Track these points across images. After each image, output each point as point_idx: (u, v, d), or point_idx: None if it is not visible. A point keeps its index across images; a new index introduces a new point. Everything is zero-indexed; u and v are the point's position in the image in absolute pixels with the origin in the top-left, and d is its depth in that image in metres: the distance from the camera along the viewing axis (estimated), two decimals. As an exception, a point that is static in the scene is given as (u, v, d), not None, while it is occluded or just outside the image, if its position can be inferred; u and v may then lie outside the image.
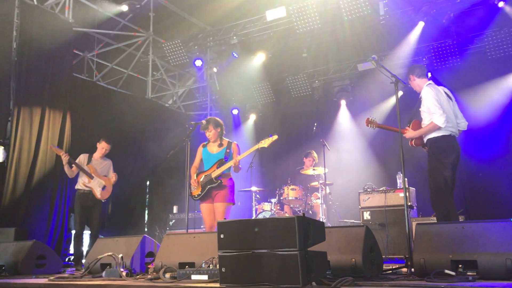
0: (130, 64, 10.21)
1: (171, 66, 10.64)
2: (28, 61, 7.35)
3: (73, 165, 6.49)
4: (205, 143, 5.66)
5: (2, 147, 6.78)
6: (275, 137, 5.31)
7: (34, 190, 7.07)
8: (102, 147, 6.70)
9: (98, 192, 6.53)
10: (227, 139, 5.64)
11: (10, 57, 7.13)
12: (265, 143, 5.30)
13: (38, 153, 7.26)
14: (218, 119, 5.73)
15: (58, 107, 7.73)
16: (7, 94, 7.07)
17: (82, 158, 6.65)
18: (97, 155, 6.71)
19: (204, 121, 5.61)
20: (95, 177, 6.55)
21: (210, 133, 5.56)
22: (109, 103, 9.29)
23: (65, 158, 6.40)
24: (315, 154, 8.36)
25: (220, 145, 5.56)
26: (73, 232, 6.59)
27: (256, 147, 5.33)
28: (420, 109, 5.04)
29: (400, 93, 8.36)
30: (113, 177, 6.71)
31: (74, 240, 6.61)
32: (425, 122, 4.97)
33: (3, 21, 7.17)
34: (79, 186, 6.58)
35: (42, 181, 7.19)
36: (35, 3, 7.69)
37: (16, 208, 6.89)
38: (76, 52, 8.94)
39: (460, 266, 3.23)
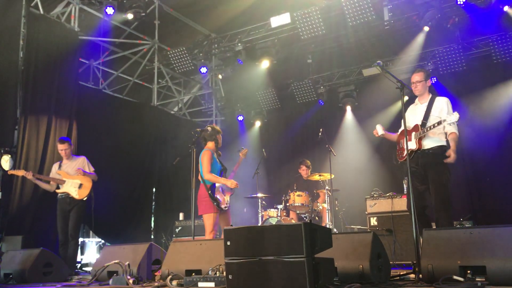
0: (135, 72, 10.24)
1: (176, 73, 10.68)
2: (34, 70, 7.39)
3: (42, 179, 6.40)
4: (212, 150, 5.59)
5: (9, 156, 6.80)
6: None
7: (41, 198, 7.08)
8: (60, 149, 6.53)
9: (75, 193, 6.36)
10: None
11: (17, 66, 7.18)
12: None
13: (44, 161, 7.29)
14: None
15: (64, 115, 7.77)
16: (14, 102, 7.11)
17: (53, 168, 6.61)
18: (63, 158, 6.59)
19: (209, 127, 5.68)
20: (67, 180, 6.41)
21: (220, 140, 5.70)
22: (114, 111, 9.32)
23: (28, 176, 6.27)
24: (307, 162, 8.36)
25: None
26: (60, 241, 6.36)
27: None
28: (433, 113, 4.89)
29: (406, 98, 8.28)
30: (76, 172, 6.42)
31: (59, 249, 6.36)
32: (432, 123, 4.79)
33: (10, 30, 7.23)
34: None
35: (48, 189, 7.20)
36: (42, 12, 7.76)
37: (23, 216, 6.91)
38: (82, 60, 8.99)
39: (468, 272, 3.21)
